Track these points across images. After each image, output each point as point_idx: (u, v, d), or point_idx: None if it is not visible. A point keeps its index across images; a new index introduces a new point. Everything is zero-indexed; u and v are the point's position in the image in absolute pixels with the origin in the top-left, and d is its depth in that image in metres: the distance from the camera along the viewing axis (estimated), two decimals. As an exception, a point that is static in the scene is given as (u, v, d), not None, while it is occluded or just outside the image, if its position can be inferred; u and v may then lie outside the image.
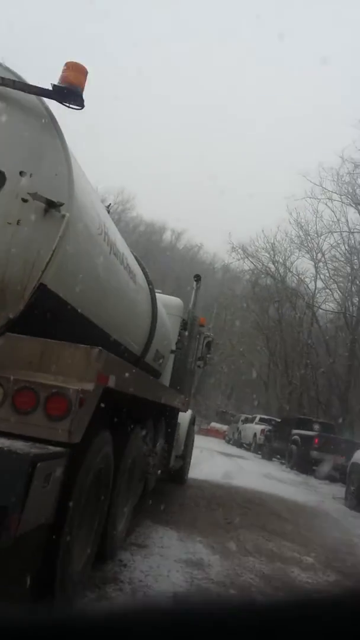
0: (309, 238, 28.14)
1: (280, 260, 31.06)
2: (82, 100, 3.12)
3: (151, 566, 4.45)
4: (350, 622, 0.72)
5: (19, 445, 2.25)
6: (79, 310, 3.51)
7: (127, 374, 3.41)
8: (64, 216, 2.94)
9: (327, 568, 5.57)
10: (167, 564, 4.62)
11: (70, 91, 3.09)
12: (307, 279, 30.62)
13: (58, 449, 2.45)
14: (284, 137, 64.69)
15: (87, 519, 3.39)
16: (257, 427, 24.91)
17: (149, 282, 5.85)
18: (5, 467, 2.12)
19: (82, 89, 3.10)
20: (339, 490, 12.41)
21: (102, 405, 3.05)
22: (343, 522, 9.04)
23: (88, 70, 3.13)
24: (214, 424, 37.59)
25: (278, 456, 20.26)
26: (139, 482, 5.33)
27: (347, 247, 26.17)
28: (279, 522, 7.77)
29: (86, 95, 3.10)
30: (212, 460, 15.50)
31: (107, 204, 5.46)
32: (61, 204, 2.94)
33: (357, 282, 25.62)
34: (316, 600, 0.79)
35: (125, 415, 4.15)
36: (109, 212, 4.83)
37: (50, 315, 3.18)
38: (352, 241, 25.79)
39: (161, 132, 74.87)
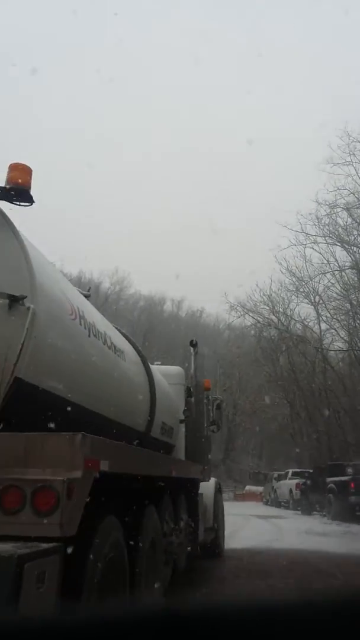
0: (303, 283, 28.34)
1: (281, 310, 31.15)
2: (31, 198, 3.23)
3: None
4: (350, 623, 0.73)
5: (6, 547, 2.17)
6: (66, 397, 3.49)
7: (123, 454, 3.34)
8: (28, 308, 2.97)
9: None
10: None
11: (18, 191, 3.20)
12: (310, 323, 30.64)
13: (50, 545, 2.36)
14: (261, 188, 66.40)
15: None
16: (291, 482, 24.16)
17: (142, 356, 5.84)
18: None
19: (29, 187, 3.21)
20: (385, 532, 11.88)
21: (102, 490, 2.98)
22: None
23: (32, 169, 3.26)
24: (249, 487, 36.50)
25: (318, 509, 19.52)
26: (165, 564, 5.11)
27: (341, 285, 26.34)
28: (325, 578, 7.38)
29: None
30: (249, 526, 14.93)
31: (87, 289, 5.53)
32: (24, 297, 2.98)
33: (359, 317, 25.57)
34: (315, 603, 0.79)
35: (133, 496, 4.02)
36: (87, 296, 4.89)
37: (34, 408, 3.15)
38: (345, 278, 26.00)
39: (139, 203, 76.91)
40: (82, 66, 69.66)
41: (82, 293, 4.47)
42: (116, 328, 5.31)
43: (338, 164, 22.50)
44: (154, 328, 52.16)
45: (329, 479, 18.02)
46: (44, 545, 2.32)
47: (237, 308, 31.34)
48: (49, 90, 64.83)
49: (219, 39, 77.45)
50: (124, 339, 5.38)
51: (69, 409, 3.51)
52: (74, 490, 2.54)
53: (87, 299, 4.57)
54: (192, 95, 79.84)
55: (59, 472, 2.62)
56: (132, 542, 3.77)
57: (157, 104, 78.54)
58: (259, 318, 31.94)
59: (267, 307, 31.34)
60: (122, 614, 0.77)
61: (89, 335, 3.91)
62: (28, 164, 3.26)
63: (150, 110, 77.84)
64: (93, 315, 4.25)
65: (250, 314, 31.89)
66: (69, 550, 2.52)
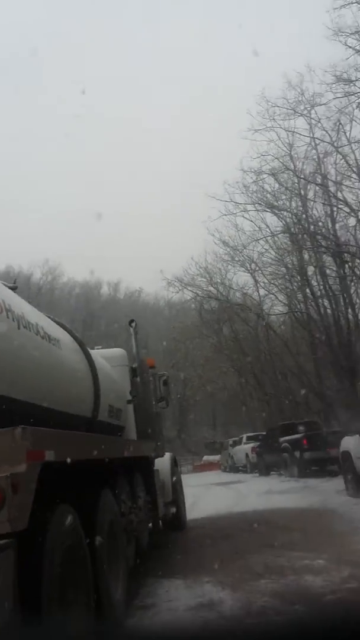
0: (238, 252, 28.69)
1: (219, 281, 31.50)
2: None
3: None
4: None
5: None
6: (4, 395, 3.43)
7: (68, 442, 3.32)
8: None
9: (339, 565, 5.48)
10: (177, 616, 4.45)
11: None
12: (249, 291, 31.16)
13: (1, 541, 2.33)
14: (185, 162, 66.21)
15: (71, 597, 3.23)
16: (247, 447, 24.74)
17: (80, 343, 5.77)
18: None
19: None
20: (340, 483, 12.35)
21: (52, 480, 2.96)
22: (349, 513, 8.97)
23: None
24: (206, 457, 37.22)
25: (275, 469, 20.10)
26: (128, 543, 5.16)
27: (275, 250, 26.82)
28: (287, 534, 7.65)
29: None
30: (209, 495, 15.24)
31: (12, 281, 5.38)
32: None
33: (297, 279, 26.17)
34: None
35: (87, 481, 4.03)
36: (14, 288, 4.77)
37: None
38: (278, 242, 26.47)
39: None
40: None
41: (7, 286, 4.35)
42: (50, 317, 5.22)
43: (259, 130, 22.64)
44: (92, 314, 51.71)
45: (282, 439, 18.54)
46: (-4, 542, 2.30)
47: (175, 283, 31.48)
48: None
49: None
50: (59, 327, 5.30)
51: (8, 405, 3.45)
52: (19, 485, 2.51)
53: (14, 291, 4.46)
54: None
55: (2, 469, 2.59)
56: (89, 527, 3.79)
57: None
58: (197, 291, 32.23)
59: (205, 279, 31.64)
60: None
61: (19, 328, 3.83)
62: None
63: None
64: (22, 306, 4.16)
65: (189, 288, 32.13)
66: (22, 543, 2.51)
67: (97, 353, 6.46)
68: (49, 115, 73.60)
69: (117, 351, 7.82)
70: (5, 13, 65.33)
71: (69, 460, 3.13)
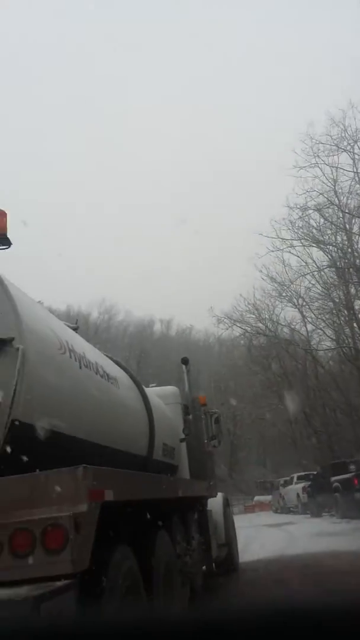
0: (285, 287, 28.55)
1: (267, 317, 31.32)
2: (8, 241, 3.28)
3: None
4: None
5: (21, 591, 2.18)
6: (65, 432, 3.51)
7: (126, 481, 3.36)
8: (17, 349, 3.01)
9: None
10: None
11: (-4, 235, 3.26)
12: (296, 326, 30.82)
13: (64, 582, 2.37)
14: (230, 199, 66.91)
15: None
16: (298, 487, 24.11)
17: (136, 381, 5.86)
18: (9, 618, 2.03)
19: (5, 232, 3.27)
20: None
21: (111, 520, 2.99)
22: None
23: (6, 212, 3.31)
24: (257, 498, 36.39)
25: (326, 510, 19.49)
26: (182, 585, 5.09)
27: (322, 285, 26.59)
28: (340, 577, 7.38)
29: None
30: (261, 536, 14.86)
31: (74, 322, 5.57)
32: (12, 339, 3.01)
33: (344, 314, 25.78)
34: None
35: (143, 522, 4.03)
36: (76, 329, 4.93)
37: (34, 447, 3.16)
38: (325, 277, 26.25)
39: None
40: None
41: (69, 326, 4.50)
42: (107, 356, 5.34)
43: (304, 167, 22.80)
44: (146, 351, 52.14)
45: (333, 478, 18.03)
46: (58, 584, 2.34)
47: (225, 320, 31.42)
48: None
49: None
50: (116, 366, 5.41)
51: (68, 443, 3.54)
52: (81, 524, 2.55)
53: (76, 332, 4.60)
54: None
55: (65, 508, 2.64)
56: (146, 569, 3.78)
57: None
58: (246, 327, 32.06)
59: (254, 316, 31.49)
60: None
61: (80, 367, 3.94)
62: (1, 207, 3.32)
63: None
64: (83, 346, 4.29)
65: (238, 324, 31.99)
66: (83, 584, 2.54)
67: (151, 391, 6.52)
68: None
69: (171, 389, 7.87)
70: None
71: (134, 496, 3.15)
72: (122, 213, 77.31)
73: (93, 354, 4.53)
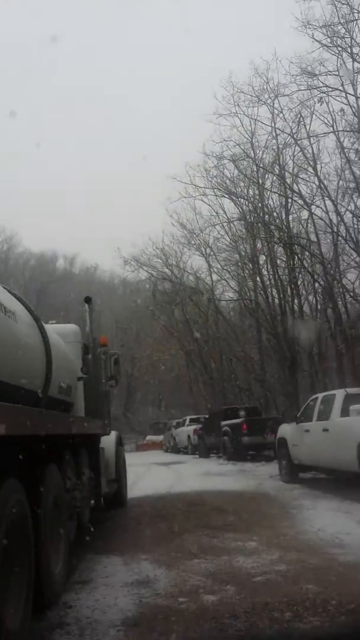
0: (194, 235, 28.80)
1: (174, 263, 31.58)
2: None
3: (97, 599, 4.37)
4: None
5: None
6: None
7: (18, 417, 3.33)
8: None
9: (269, 547, 5.71)
10: (114, 592, 4.55)
11: None
12: (202, 275, 31.36)
13: None
14: (147, 142, 65.40)
15: (11, 572, 3.27)
16: (189, 429, 25.08)
17: (35, 316, 5.72)
18: None
19: None
20: (274, 468, 12.76)
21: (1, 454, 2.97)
22: (280, 497, 9.33)
23: None
24: (149, 437, 37.58)
25: (214, 452, 20.50)
26: (70, 518, 5.22)
27: (230, 237, 27.02)
28: (221, 515, 7.88)
29: None
30: (150, 474, 15.46)
31: None
32: None
33: (248, 267, 26.46)
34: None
35: (34, 456, 4.04)
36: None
37: None
38: (234, 229, 26.66)
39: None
40: None
41: None
42: (5, 288, 5.15)
43: (224, 115, 22.56)
44: (47, 287, 50.87)
45: (223, 423, 18.91)
46: None
47: (131, 262, 31.37)
48: None
49: None
50: (14, 299, 5.23)
51: None
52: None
53: None
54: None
55: None
56: (34, 502, 3.83)
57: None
58: (153, 272, 32.22)
59: (161, 260, 31.69)
60: None
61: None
62: None
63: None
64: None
65: (144, 268, 32.08)
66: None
67: (51, 328, 6.40)
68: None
69: (71, 327, 7.78)
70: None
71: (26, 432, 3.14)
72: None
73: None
